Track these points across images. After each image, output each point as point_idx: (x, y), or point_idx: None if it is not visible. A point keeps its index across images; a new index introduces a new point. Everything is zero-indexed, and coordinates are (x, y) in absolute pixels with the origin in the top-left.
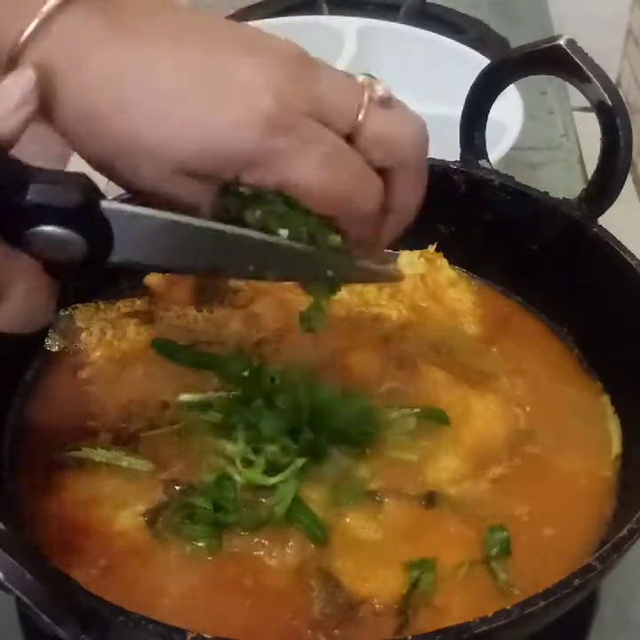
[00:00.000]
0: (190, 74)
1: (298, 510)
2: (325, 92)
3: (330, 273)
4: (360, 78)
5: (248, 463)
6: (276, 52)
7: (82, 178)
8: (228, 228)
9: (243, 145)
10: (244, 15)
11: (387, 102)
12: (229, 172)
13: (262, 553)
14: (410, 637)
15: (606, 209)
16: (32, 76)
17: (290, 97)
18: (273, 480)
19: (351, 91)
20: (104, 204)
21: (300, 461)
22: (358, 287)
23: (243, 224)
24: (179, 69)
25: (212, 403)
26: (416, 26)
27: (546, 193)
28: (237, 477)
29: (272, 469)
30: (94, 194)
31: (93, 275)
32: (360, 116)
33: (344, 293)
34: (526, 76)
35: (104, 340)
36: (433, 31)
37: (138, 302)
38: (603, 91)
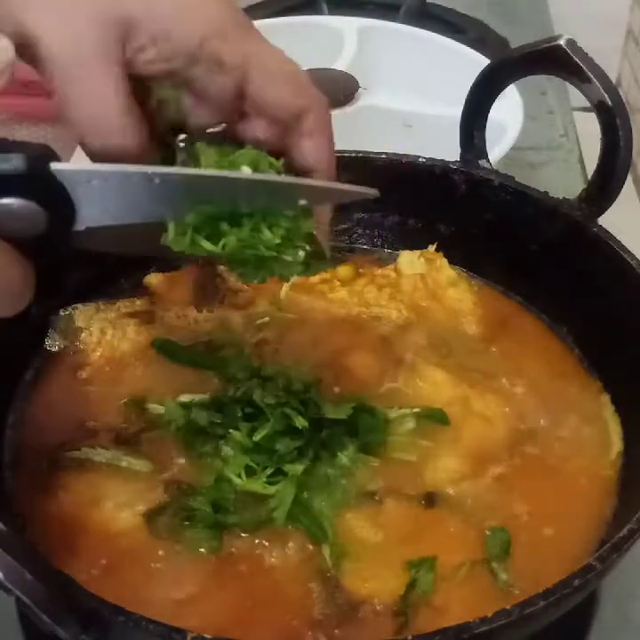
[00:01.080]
0: None
1: (298, 511)
2: None
3: (302, 201)
4: None
5: (250, 473)
6: None
7: (34, 146)
8: (194, 170)
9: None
10: None
11: None
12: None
13: (262, 553)
14: (410, 637)
15: (606, 209)
16: (7, 46)
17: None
18: (273, 489)
19: None
20: (54, 166)
21: (300, 468)
22: (358, 287)
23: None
24: None
25: (211, 403)
26: (416, 26)
27: (546, 193)
28: (237, 480)
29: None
30: (44, 159)
31: (62, 247)
32: None
33: (344, 293)
34: (526, 76)
35: (104, 339)
36: (433, 31)
37: (138, 302)
38: (603, 91)
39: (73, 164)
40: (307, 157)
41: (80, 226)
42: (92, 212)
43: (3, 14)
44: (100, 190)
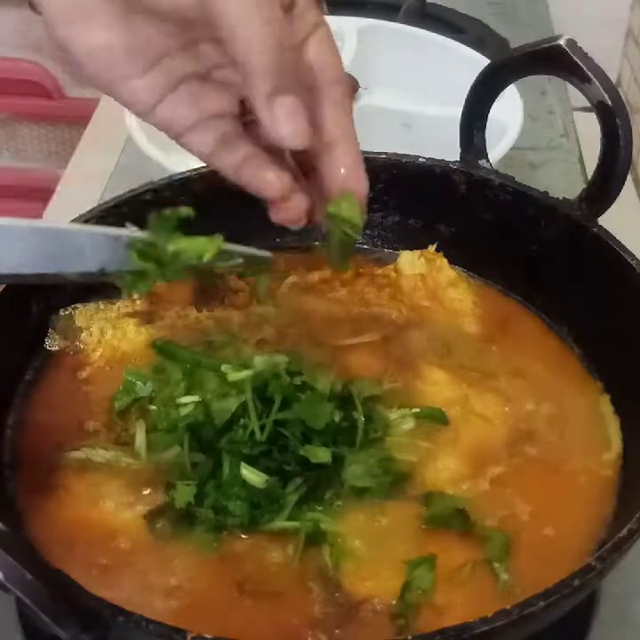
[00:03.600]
0: None
1: (297, 512)
2: None
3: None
4: None
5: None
6: None
7: None
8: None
9: None
10: None
11: None
12: None
13: (262, 554)
14: (410, 637)
15: (606, 209)
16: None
17: None
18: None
19: None
20: None
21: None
22: (358, 287)
23: None
24: None
25: (211, 404)
26: (416, 26)
27: (546, 193)
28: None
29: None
30: None
31: None
32: None
33: (344, 293)
34: (526, 76)
35: (104, 340)
36: (433, 31)
37: (138, 302)
38: (603, 91)
39: None
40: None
41: None
42: None
43: None
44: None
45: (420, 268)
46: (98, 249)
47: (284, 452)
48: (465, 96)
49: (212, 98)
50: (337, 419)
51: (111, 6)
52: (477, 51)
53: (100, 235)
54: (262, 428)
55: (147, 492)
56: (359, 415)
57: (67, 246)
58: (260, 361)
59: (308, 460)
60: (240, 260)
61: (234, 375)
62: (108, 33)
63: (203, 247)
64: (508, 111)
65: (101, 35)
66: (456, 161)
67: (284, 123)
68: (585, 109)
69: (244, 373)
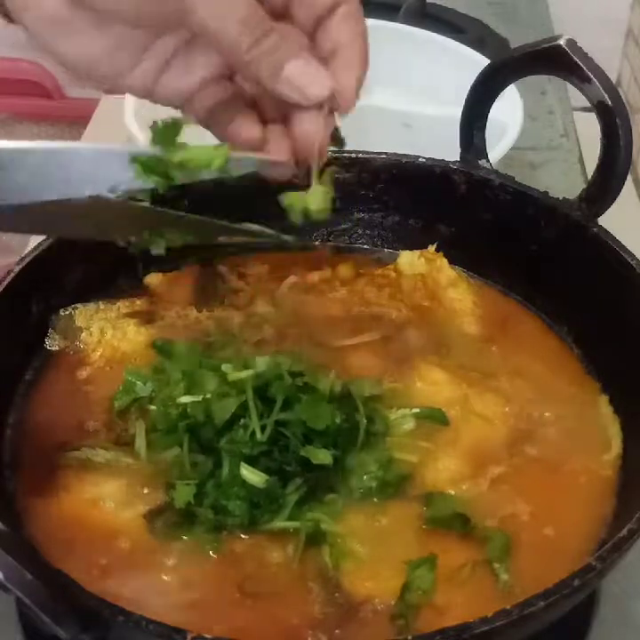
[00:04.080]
0: None
1: (297, 512)
2: None
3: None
4: None
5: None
6: None
7: None
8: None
9: None
10: None
11: None
12: None
13: (262, 554)
14: (410, 638)
15: (606, 209)
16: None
17: None
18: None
19: None
20: None
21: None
22: (358, 287)
23: None
24: None
25: (211, 403)
26: (416, 26)
27: (546, 193)
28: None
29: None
30: None
31: None
32: None
33: (344, 293)
34: (526, 76)
35: (104, 339)
36: (433, 31)
37: (138, 302)
38: (603, 91)
39: None
40: (339, 34)
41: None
42: (14, 189)
43: None
44: (13, 167)
45: (420, 268)
46: (104, 166)
47: (285, 453)
48: (465, 96)
49: (201, 62)
50: (338, 420)
51: (85, 17)
52: (477, 51)
53: (104, 151)
54: (263, 428)
55: (147, 491)
56: (361, 416)
57: (72, 166)
58: (261, 361)
59: (309, 461)
60: (252, 169)
61: (234, 375)
62: (89, 41)
63: (210, 155)
64: (508, 111)
65: (83, 44)
66: (456, 161)
67: (306, 87)
68: (585, 109)
69: (245, 373)
